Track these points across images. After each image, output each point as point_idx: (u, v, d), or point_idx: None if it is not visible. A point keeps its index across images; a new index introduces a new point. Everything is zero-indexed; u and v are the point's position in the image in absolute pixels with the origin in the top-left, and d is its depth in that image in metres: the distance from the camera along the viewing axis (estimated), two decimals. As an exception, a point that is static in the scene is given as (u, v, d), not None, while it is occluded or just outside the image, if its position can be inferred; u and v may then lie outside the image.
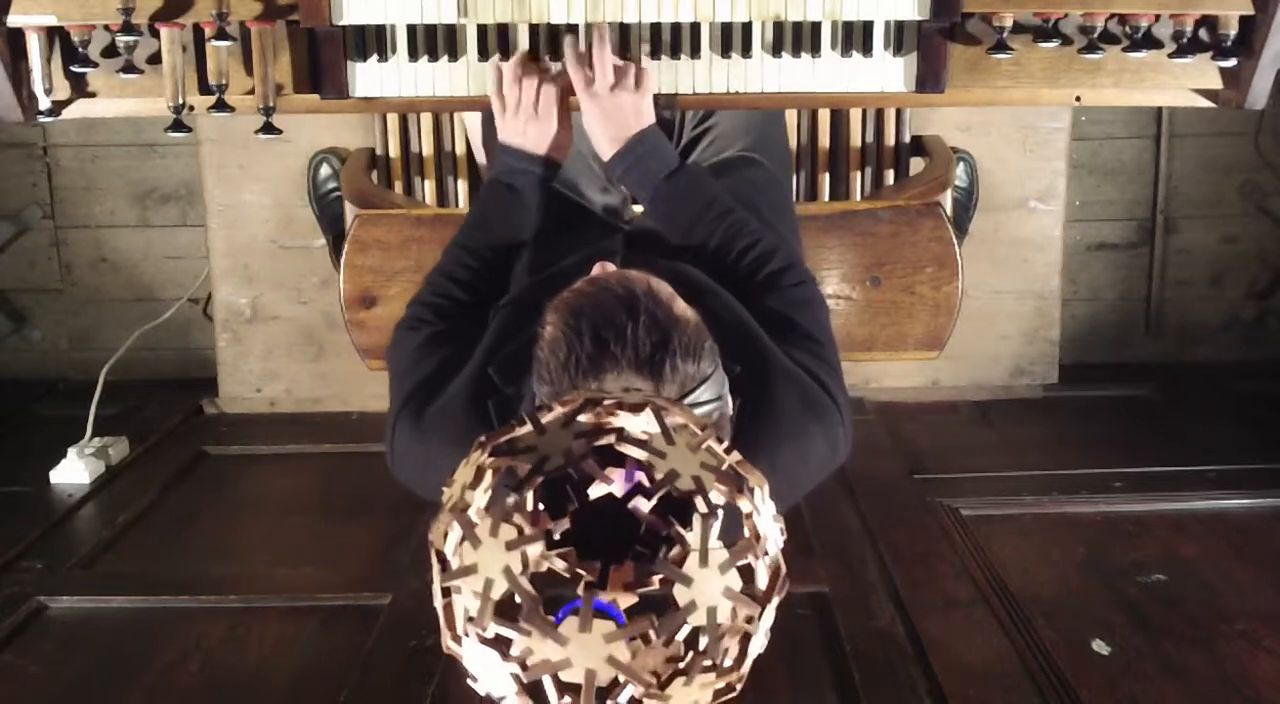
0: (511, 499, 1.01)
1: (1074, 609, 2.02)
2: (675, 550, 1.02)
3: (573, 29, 1.83)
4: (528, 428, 1.06)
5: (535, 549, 1.00)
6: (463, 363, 1.54)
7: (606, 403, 1.07)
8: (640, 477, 1.03)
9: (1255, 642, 1.91)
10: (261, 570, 2.24)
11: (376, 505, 2.44)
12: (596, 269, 1.44)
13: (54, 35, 1.86)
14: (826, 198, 2.71)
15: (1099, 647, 1.90)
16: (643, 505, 1.03)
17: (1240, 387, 3.12)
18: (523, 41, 1.87)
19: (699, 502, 1.02)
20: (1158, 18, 1.85)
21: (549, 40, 1.86)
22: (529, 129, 1.80)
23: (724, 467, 1.06)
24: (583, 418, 1.06)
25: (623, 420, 1.06)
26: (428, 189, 2.70)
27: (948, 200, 2.45)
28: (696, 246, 1.72)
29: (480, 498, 1.03)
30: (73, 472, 2.60)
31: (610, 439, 1.04)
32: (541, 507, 1.03)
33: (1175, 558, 2.20)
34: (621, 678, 0.99)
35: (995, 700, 1.76)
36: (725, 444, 1.09)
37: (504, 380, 1.47)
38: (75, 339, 3.40)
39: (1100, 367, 3.27)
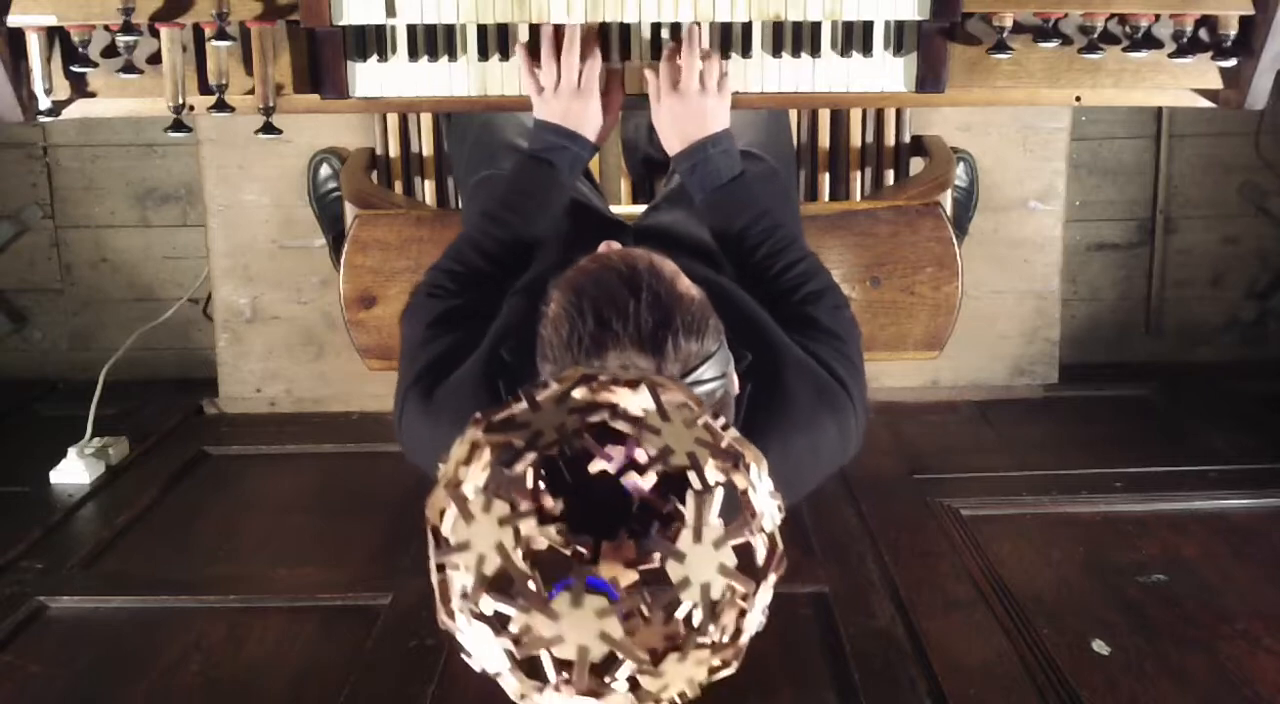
0: (505, 475, 1.01)
1: (1074, 609, 2.02)
2: (672, 527, 1.01)
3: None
4: (523, 405, 1.06)
5: (528, 525, 0.99)
6: (475, 344, 1.55)
7: (601, 379, 1.07)
8: (637, 453, 1.03)
9: (1255, 642, 1.91)
10: (261, 570, 2.23)
11: (376, 505, 2.44)
12: (602, 248, 1.45)
13: (54, 35, 1.86)
14: (826, 198, 2.71)
15: (1099, 647, 1.90)
16: (637, 481, 1.02)
17: (1240, 387, 3.12)
18: (523, 41, 1.87)
19: (693, 478, 1.01)
20: (1158, 18, 1.85)
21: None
22: (572, 107, 1.80)
23: (721, 443, 1.05)
24: (577, 394, 1.06)
25: (618, 397, 1.05)
26: (428, 189, 2.70)
27: (948, 200, 2.45)
28: (744, 251, 1.73)
29: (475, 474, 1.03)
30: (73, 472, 2.60)
31: (604, 415, 1.04)
32: (541, 484, 1.03)
33: (1175, 558, 2.20)
34: (617, 654, 0.98)
35: (995, 700, 1.76)
36: (723, 421, 1.08)
37: (516, 362, 1.48)
38: (75, 339, 3.40)
39: (1100, 367, 3.27)
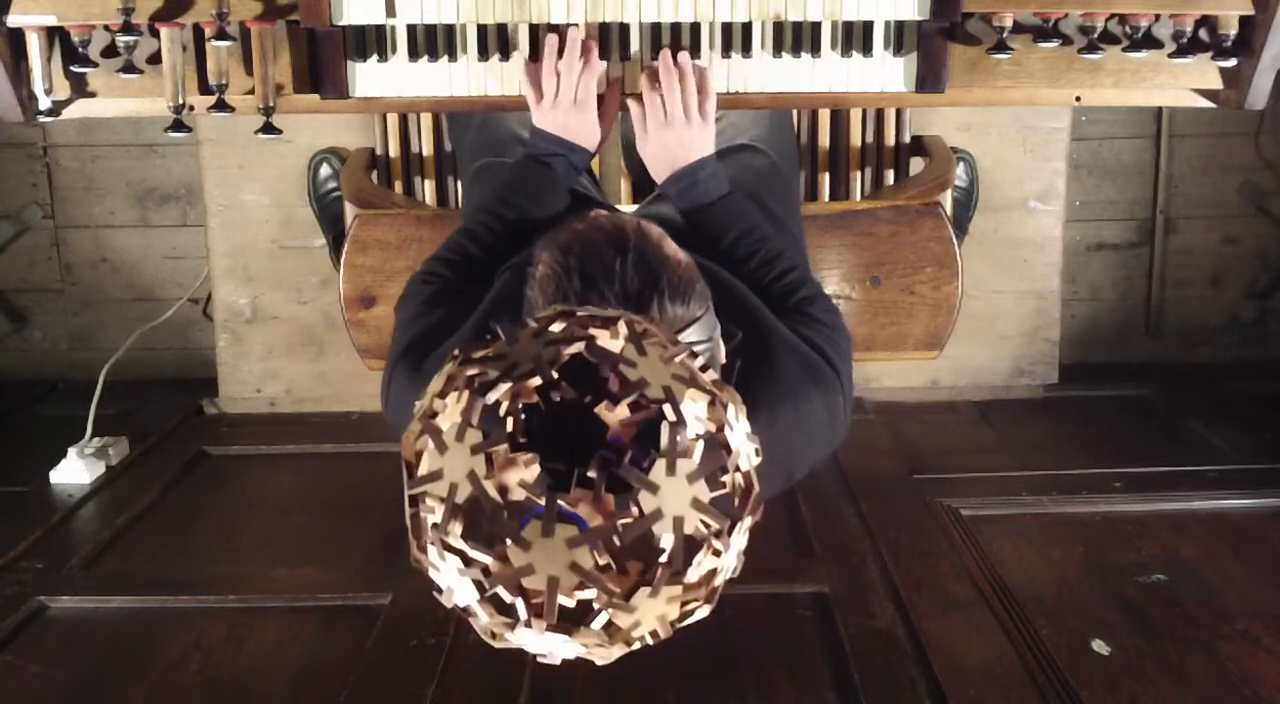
0: (480, 404, 0.99)
1: (1074, 609, 2.02)
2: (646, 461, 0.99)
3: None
4: (501, 341, 1.06)
5: (501, 452, 0.97)
6: (466, 318, 1.55)
7: (580, 315, 1.07)
8: (612, 385, 1.01)
9: (1255, 642, 1.91)
10: (261, 570, 2.23)
11: (376, 505, 2.44)
12: (590, 215, 1.45)
13: (54, 35, 1.86)
14: (826, 198, 2.71)
15: (1099, 647, 1.90)
16: (609, 411, 1.01)
17: (1240, 387, 3.12)
18: (523, 41, 1.88)
19: (668, 410, 1.00)
20: (1158, 18, 1.85)
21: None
22: (568, 120, 1.81)
23: (697, 380, 1.04)
24: (555, 328, 1.05)
25: (596, 331, 1.04)
26: (428, 189, 2.70)
27: (948, 200, 2.45)
28: (735, 262, 1.74)
29: (450, 405, 1.01)
30: (73, 472, 2.60)
31: (579, 347, 1.03)
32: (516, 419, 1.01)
33: (1175, 558, 2.20)
34: (588, 589, 0.96)
35: (995, 700, 1.76)
36: (703, 363, 1.08)
37: None
38: (75, 339, 3.40)
39: (1100, 367, 3.27)
